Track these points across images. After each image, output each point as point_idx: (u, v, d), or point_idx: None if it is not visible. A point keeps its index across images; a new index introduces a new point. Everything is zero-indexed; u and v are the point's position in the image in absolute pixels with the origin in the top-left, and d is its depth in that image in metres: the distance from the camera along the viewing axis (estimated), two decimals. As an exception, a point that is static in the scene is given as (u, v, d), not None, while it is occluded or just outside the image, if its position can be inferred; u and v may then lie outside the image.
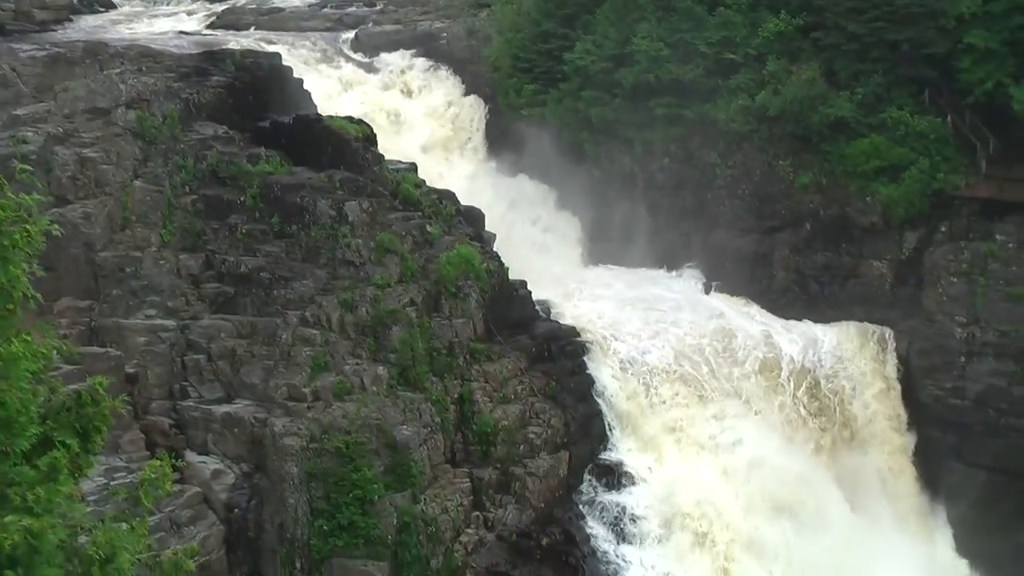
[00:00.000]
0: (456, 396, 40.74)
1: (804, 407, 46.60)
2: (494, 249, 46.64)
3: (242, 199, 42.45)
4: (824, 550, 42.82)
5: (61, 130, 41.20)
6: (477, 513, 39.36)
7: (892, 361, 48.84)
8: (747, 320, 49.17)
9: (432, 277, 42.28)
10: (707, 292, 52.42)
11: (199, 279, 41.23)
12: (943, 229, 49.70)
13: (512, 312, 44.52)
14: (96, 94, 43.03)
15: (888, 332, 49.46)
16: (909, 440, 48.69)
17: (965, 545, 47.00)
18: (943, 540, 47.31)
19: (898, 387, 48.77)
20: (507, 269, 45.06)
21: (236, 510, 36.72)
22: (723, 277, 53.08)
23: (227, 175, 43.17)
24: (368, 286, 40.59)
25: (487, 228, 48.42)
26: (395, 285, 41.19)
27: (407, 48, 64.42)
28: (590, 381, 43.66)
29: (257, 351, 39.26)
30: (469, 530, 38.86)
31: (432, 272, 42.39)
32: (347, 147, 44.58)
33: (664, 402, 44.15)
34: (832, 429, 47.18)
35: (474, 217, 47.72)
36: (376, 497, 36.73)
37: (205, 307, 40.43)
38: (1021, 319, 47.08)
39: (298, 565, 36.72)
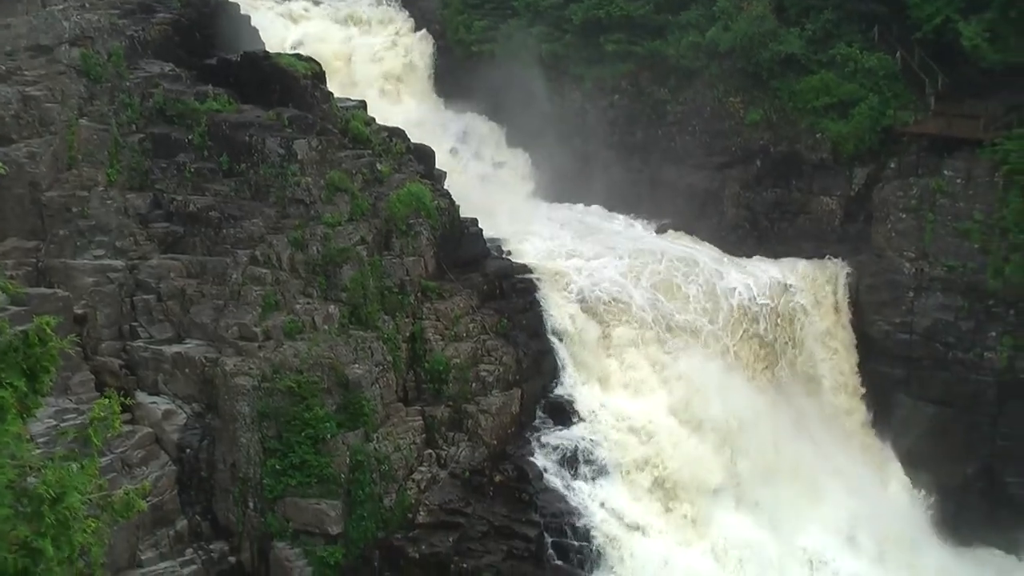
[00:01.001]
0: (408, 334, 40.75)
1: (755, 342, 46.92)
2: (445, 187, 46.43)
3: (190, 137, 42.03)
4: (774, 479, 43.44)
5: (3, 68, 40.48)
6: (430, 451, 39.52)
7: (843, 296, 49.13)
8: (698, 258, 49.25)
9: (383, 215, 42.10)
10: (658, 230, 52.51)
11: (147, 218, 40.82)
12: (892, 165, 49.89)
13: (463, 250, 44.53)
14: (38, 31, 42.28)
15: (838, 267, 49.76)
16: (863, 374, 49.09)
17: (914, 476, 47.59)
18: (893, 471, 47.82)
19: (848, 322, 49.14)
20: (458, 207, 44.92)
21: (188, 450, 36.64)
22: (673, 214, 53.28)
23: (174, 113, 42.69)
24: (318, 224, 40.37)
25: (437, 166, 48.18)
26: (345, 223, 40.96)
27: (355, -17, 63.85)
28: (541, 318, 43.75)
29: (207, 290, 39.04)
30: (422, 468, 39.03)
31: (383, 210, 42.20)
32: (295, 84, 44.15)
33: (616, 339, 44.33)
34: (783, 363, 47.55)
35: (424, 155, 47.45)
36: (328, 436, 36.79)
37: (154, 247, 40.06)
38: (969, 254, 47.42)
39: (251, 504, 36.74)
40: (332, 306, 39.37)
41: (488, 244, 46.04)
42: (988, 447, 47.57)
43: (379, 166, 43.88)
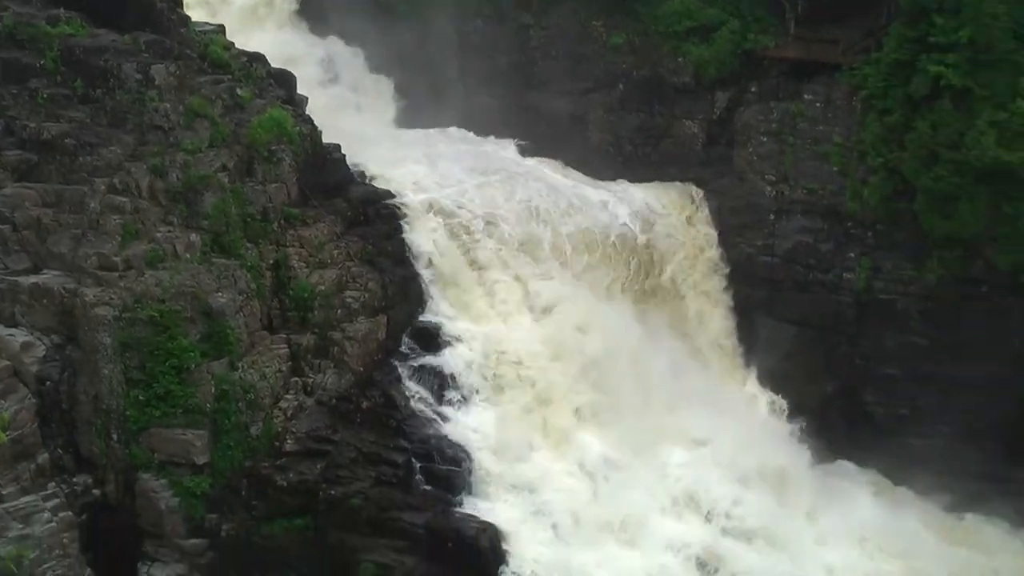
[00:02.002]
0: (272, 262, 40.67)
1: (621, 265, 47.70)
2: (306, 112, 46.06)
3: (42, 62, 40.84)
4: (640, 400, 44.39)
5: None
6: (296, 379, 39.64)
7: (706, 219, 50.04)
8: (563, 181, 49.79)
9: (244, 142, 41.71)
10: (523, 155, 52.72)
11: (-1, 146, 39.89)
12: (753, 89, 50.83)
13: (327, 176, 44.30)
14: None
15: (700, 191, 50.60)
16: (726, 296, 50.40)
17: (777, 396, 49.26)
18: (756, 392, 49.36)
19: (713, 244, 50.30)
20: (320, 132, 44.65)
21: (48, 383, 36.12)
22: (538, 139, 53.69)
23: (24, 37, 41.37)
24: (178, 152, 39.82)
25: (299, 91, 47.74)
26: (206, 150, 40.46)
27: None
28: (406, 244, 43.88)
29: (64, 220, 38.28)
30: (288, 396, 39.16)
31: (244, 136, 41.80)
32: (151, 8, 43.17)
33: (482, 264, 44.68)
34: (649, 287, 48.57)
35: (285, 80, 46.99)
36: (193, 365, 36.73)
37: (7, 175, 39.07)
38: (828, 177, 48.70)
39: (114, 436, 36.51)
40: (194, 234, 39.01)
41: (352, 170, 45.78)
42: (847, 367, 49.35)
43: (239, 91, 43.40)
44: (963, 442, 46.40)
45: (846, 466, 48.21)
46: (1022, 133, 43.24)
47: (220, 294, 38.02)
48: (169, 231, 38.81)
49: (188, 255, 38.50)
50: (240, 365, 38.02)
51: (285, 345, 39.80)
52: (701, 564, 40.73)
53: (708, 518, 42.53)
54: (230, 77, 43.84)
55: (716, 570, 40.77)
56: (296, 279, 40.68)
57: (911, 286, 47.73)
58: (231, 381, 37.40)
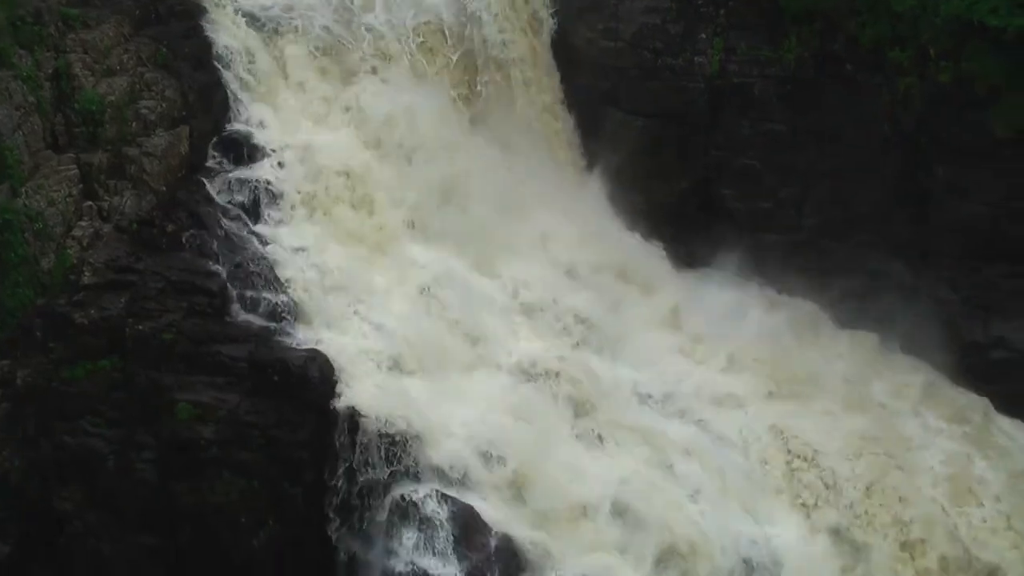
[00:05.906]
0: (51, 71, 39.34)
1: (441, 58, 47.26)
2: None
3: None
4: (477, 210, 44.53)
5: None
6: (90, 203, 38.84)
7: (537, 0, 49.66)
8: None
9: (3, -73, 40.08)
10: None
11: None
12: None
13: (106, -32, 42.75)
14: None
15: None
16: (565, 88, 49.98)
17: (623, 196, 48.97)
18: (604, 193, 49.08)
19: (548, 30, 49.85)
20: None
21: None
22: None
23: None
24: (-77, -58, 38.23)
25: None
26: (-43, -61, 38.90)
27: None
28: (207, 45, 42.78)
29: None
30: (82, 223, 38.41)
31: (2, -79, 40.15)
32: None
33: (298, 64, 44.04)
34: (476, 80, 48.04)
35: None
36: (-34, 196, 35.67)
37: None
38: (658, -56, 48.29)
39: None
40: (-47, 43, 37.66)
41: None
42: (702, 159, 49.23)
43: None
44: (830, 236, 47.44)
45: (706, 271, 48.57)
46: None
47: (-7, 112, 36.85)
48: (-79, 40, 37.41)
49: (-51, 68, 37.14)
50: (23, 191, 37.02)
51: (74, 166, 38.79)
52: (555, 381, 40.69)
53: (561, 332, 42.91)
54: None
55: (571, 385, 40.80)
56: (81, 90, 39.48)
57: (768, 68, 47.66)
58: (14, 209, 36.38)
